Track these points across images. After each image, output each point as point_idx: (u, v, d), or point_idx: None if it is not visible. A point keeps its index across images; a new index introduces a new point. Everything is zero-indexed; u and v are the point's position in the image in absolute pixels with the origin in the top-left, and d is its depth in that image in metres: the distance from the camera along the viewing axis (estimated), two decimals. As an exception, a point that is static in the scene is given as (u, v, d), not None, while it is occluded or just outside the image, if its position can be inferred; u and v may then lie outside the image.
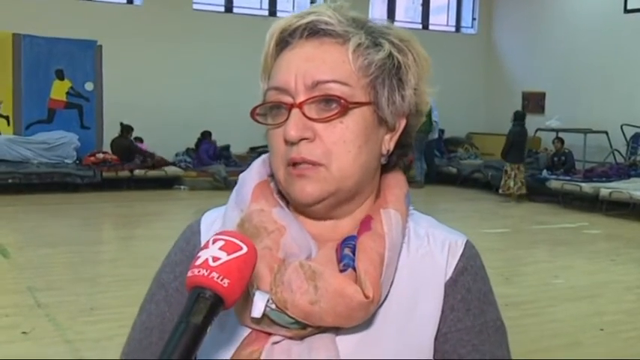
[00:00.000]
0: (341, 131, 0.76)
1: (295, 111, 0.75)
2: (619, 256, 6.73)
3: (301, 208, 0.80)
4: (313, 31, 0.78)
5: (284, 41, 0.79)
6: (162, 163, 10.54)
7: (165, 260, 0.87)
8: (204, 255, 0.65)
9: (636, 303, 5.15)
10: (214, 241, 0.66)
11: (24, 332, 3.96)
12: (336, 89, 0.75)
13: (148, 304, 0.85)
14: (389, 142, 0.81)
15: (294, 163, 0.76)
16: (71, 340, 3.88)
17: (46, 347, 3.77)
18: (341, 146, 0.76)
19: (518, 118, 10.20)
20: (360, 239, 0.77)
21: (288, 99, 0.76)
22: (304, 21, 0.78)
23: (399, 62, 0.79)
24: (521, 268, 6.21)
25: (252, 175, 0.83)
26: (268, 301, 0.72)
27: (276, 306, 0.72)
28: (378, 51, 0.78)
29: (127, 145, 10.35)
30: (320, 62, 0.76)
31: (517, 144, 10.04)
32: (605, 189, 9.24)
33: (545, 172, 10.62)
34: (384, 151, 0.81)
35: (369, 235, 0.76)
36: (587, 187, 9.48)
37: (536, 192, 10.41)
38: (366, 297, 0.72)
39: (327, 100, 0.75)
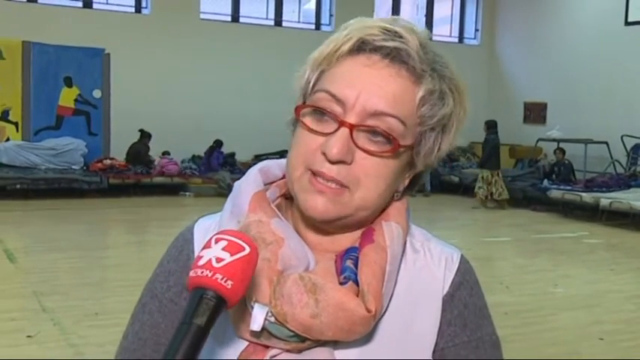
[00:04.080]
0: (378, 166, 0.74)
1: (345, 131, 0.73)
2: (619, 266, 6.76)
3: (307, 218, 0.78)
4: (396, 59, 0.75)
5: (361, 49, 0.76)
6: (170, 174, 10.69)
7: (157, 269, 0.85)
8: (207, 255, 0.64)
9: (635, 312, 5.16)
10: (217, 241, 0.65)
11: (29, 336, 4.00)
12: (393, 125, 0.73)
13: (140, 314, 0.83)
14: (405, 180, 0.81)
15: (321, 176, 0.74)
16: (75, 345, 3.93)
17: (51, 351, 3.81)
18: (372, 180, 0.74)
19: (492, 126, 10.47)
20: (363, 251, 0.75)
21: (339, 111, 0.74)
22: (392, 44, 0.75)
23: (451, 116, 0.79)
24: (521, 277, 6.23)
25: (249, 185, 0.80)
26: (267, 314, 0.70)
27: (276, 319, 0.70)
28: (442, 105, 0.77)
29: (138, 150, 10.54)
30: (389, 93, 0.74)
31: (495, 152, 10.27)
32: (606, 199, 9.29)
33: (546, 182, 10.67)
34: (400, 189, 0.80)
35: (372, 248, 0.75)
36: (587, 196, 9.52)
37: (537, 201, 10.46)
38: (368, 311, 0.71)
39: (378, 132, 0.74)
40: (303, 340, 0.72)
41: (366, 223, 0.79)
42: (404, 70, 0.75)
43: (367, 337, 0.75)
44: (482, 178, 10.33)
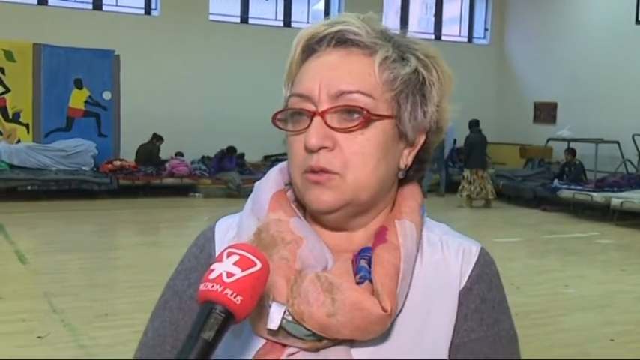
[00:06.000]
0: (361, 142, 0.75)
1: (317, 119, 0.75)
2: (630, 266, 6.72)
3: (316, 216, 0.79)
4: (341, 40, 0.77)
5: (310, 49, 0.79)
6: (180, 175, 10.71)
7: (178, 267, 0.86)
8: (218, 269, 0.64)
9: (646, 313, 5.15)
10: (228, 255, 0.65)
11: (39, 337, 4.02)
12: (359, 100, 0.75)
13: (161, 310, 0.84)
14: (407, 157, 0.81)
15: (312, 171, 0.75)
16: (85, 345, 3.95)
17: (61, 352, 3.83)
18: (360, 157, 0.75)
19: (474, 125, 10.47)
20: (376, 251, 0.76)
21: (310, 106, 0.76)
22: (332, 30, 0.77)
23: (423, 78, 0.79)
24: (532, 277, 6.20)
25: (269, 184, 0.82)
26: (285, 312, 0.71)
27: (293, 318, 0.71)
28: (404, 65, 0.77)
29: (150, 151, 10.62)
30: (346, 72, 0.76)
31: (475, 150, 10.25)
32: (617, 199, 9.25)
33: (556, 182, 10.63)
34: (402, 166, 0.80)
35: (385, 247, 0.76)
36: (598, 196, 9.49)
37: (547, 201, 10.43)
38: (384, 310, 0.71)
39: (350, 110, 0.75)
40: (320, 339, 0.72)
41: (375, 208, 0.80)
42: (353, 48, 0.77)
43: (384, 336, 0.75)
44: (464, 177, 10.39)
